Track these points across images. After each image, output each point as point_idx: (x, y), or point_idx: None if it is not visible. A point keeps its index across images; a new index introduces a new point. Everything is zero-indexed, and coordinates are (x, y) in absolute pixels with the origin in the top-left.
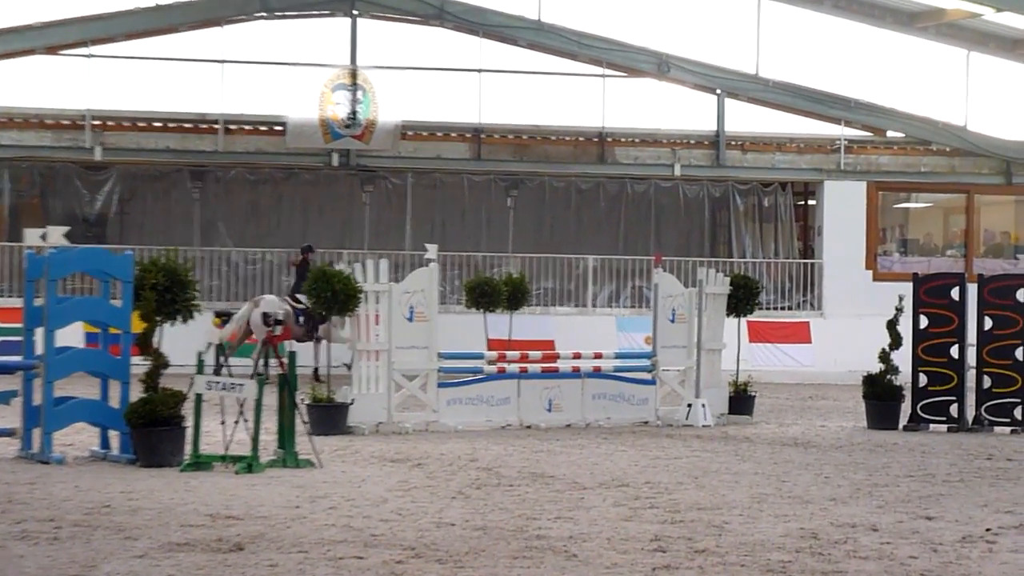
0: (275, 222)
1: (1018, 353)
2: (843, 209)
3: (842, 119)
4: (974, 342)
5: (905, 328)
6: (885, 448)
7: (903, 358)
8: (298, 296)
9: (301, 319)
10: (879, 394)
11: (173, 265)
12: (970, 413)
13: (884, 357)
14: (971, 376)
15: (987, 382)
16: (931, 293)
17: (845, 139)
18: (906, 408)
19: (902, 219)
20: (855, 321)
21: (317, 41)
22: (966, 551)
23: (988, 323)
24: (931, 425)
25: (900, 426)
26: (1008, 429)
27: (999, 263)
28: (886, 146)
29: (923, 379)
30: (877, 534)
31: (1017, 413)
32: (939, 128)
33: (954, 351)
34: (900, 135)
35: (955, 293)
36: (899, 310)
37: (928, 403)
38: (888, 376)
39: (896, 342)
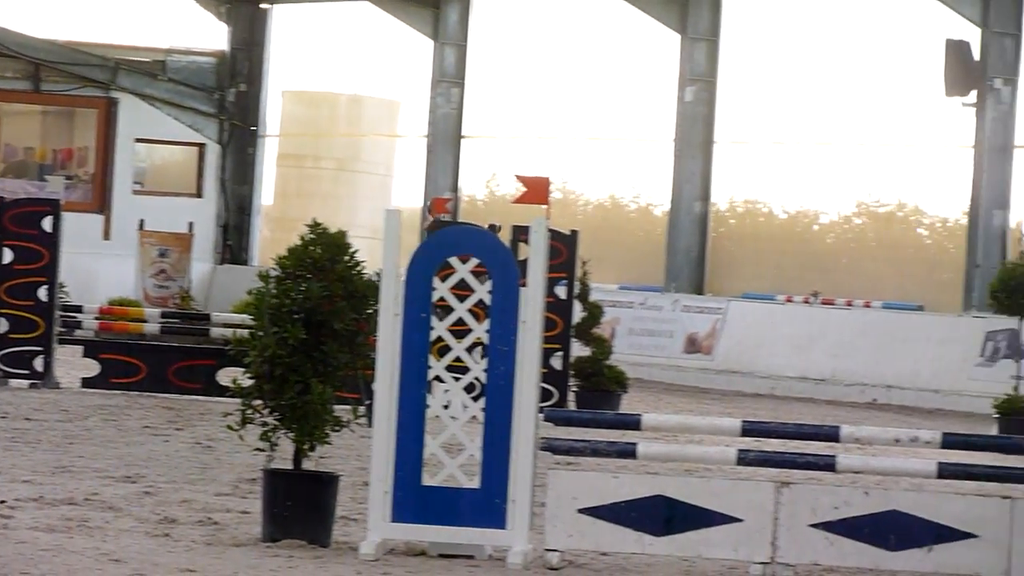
0: None
1: (41, 293)
2: None
3: None
4: None
5: None
6: None
7: None
8: None
9: None
10: None
11: None
12: None
13: None
14: None
15: (4, 326)
16: None
17: None
18: None
19: None
20: None
21: None
22: None
23: (8, 256)
24: None
25: None
26: (27, 382)
27: (22, 184)
28: None
29: None
30: None
31: (38, 364)
32: None
33: None
34: None
35: None
36: None
37: None
38: None
39: None
